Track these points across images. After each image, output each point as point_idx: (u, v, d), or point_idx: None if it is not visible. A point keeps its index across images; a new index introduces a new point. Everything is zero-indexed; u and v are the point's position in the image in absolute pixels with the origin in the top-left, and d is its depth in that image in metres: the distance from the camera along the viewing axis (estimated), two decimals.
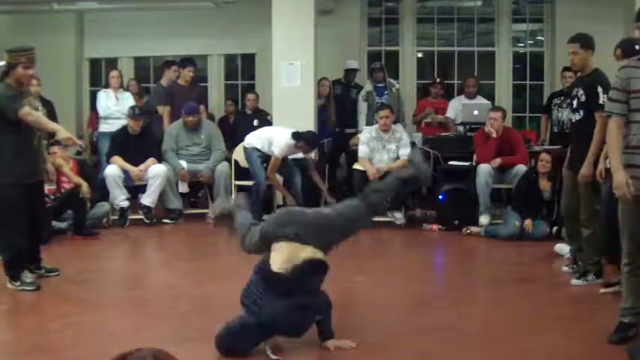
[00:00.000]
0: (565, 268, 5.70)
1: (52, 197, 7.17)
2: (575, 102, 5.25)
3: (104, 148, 8.62)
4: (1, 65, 5.16)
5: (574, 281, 5.29)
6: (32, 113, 5.00)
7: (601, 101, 4.89)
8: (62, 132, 5.06)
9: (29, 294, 5.03)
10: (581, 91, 5.14)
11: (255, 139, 8.00)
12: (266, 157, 7.92)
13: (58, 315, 4.49)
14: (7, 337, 4.09)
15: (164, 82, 9.28)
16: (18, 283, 5.08)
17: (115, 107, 8.88)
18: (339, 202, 8.01)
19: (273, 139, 7.86)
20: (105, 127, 8.93)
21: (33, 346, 3.92)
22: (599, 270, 5.24)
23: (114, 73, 9.11)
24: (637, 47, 4.38)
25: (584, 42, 5.08)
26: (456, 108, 9.00)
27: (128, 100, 8.96)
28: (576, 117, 5.24)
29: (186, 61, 9.13)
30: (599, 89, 4.95)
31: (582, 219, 5.22)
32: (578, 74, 5.39)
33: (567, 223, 5.57)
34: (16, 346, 3.94)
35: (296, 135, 7.74)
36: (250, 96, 9.65)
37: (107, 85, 9.12)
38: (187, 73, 8.94)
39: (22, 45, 5.26)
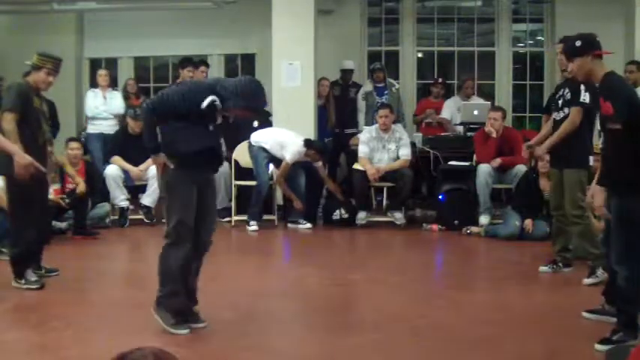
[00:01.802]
0: (544, 268, 5.67)
1: (67, 200, 7.16)
2: (560, 101, 5.47)
3: (94, 149, 8.62)
4: (27, 63, 5.28)
5: (586, 280, 5.21)
6: (7, 120, 4.98)
7: (581, 99, 5.20)
8: (18, 155, 4.89)
9: (29, 294, 5.02)
10: (566, 90, 5.39)
11: (265, 139, 7.92)
12: (272, 158, 7.90)
13: (58, 315, 4.49)
14: (7, 336, 4.08)
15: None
16: (23, 282, 5.11)
17: (103, 107, 8.87)
18: (343, 202, 8.13)
19: (285, 144, 7.80)
20: (92, 127, 8.91)
21: (33, 346, 3.93)
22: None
23: (102, 72, 9.11)
24: (577, 44, 4.12)
25: None
26: (452, 108, 9.02)
27: (117, 99, 8.95)
28: (560, 115, 5.45)
29: (185, 61, 9.13)
30: (582, 87, 5.18)
31: (570, 215, 5.38)
32: (565, 74, 5.51)
33: (556, 221, 5.64)
34: (16, 345, 3.94)
35: (307, 143, 7.77)
36: None
37: (96, 85, 9.13)
38: (187, 73, 8.93)
39: (52, 52, 5.36)
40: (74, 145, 7.62)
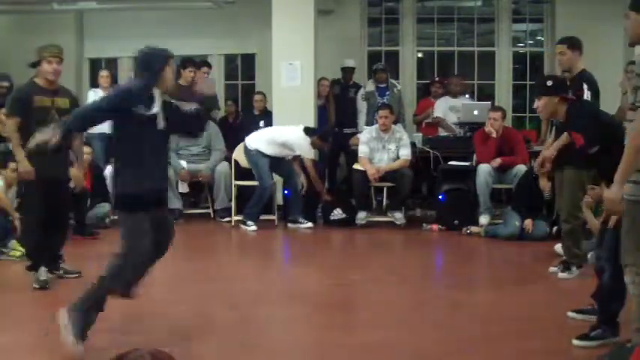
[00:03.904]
0: (553, 269, 5.64)
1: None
2: None
3: (96, 149, 8.59)
4: (29, 64, 5.33)
5: (560, 275, 5.43)
6: (8, 125, 5.20)
7: (585, 97, 5.10)
8: (22, 163, 5.15)
9: (29, 293, 5.03)
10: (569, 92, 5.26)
11: (264, 144, 7.80)
12: (274, 161, 7.85)
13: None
14: (7, 336, 4.08)
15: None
16: (33, 274, 5.15)
17: None
18: (337, 201, 8.14)
19: (291, 143, 7.71)
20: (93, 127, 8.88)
21: (33, 346, 3.93)
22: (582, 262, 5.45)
23: (103, 73, 9.11)
24: (548, 83, 4.17)
25: (572, 43, 5.29)
26: (444, 108, 9.04)
27: None
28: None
29: (186, 62, 9.12)
30: (585, 86, 5.12)
31: (564, 214, 5.43)
32: (566, 74, 5.51)
33: (562, 224, 5.63)
34: (16, 345, 3.94)
35: (307, 130, 7.73)
36: (257, 97, 9.54)
37: (96, 85, 9.13)
38: (188, 74, 8.93)
39: (48, 43, 5.39)
40: (85, 149, 7.64)
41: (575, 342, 3.84)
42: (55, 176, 5.19)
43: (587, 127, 3.94)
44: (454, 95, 9.14)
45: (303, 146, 7.72)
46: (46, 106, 5.18)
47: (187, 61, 9.11)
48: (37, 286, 5.10)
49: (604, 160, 3.89)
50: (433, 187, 8.42)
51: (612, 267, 3.79)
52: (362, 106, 9.36)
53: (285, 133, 7.84)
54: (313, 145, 7.80)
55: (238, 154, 8.27)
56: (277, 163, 7.90)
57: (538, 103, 4.27)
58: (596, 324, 3.87)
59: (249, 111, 9.82)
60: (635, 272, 3.27)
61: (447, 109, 9.00)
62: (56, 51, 5.24)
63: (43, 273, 5.17)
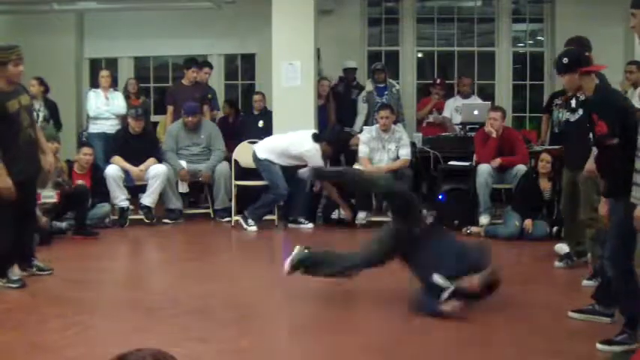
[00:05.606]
0: (559, 264, 5.64)
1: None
2: (573, 101, 5.28)
3: (96, 149, 8.60)
4: None
5: (585, 282, 5.14)
6: None
7: None
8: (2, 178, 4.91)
9: (29, 293, 5.03)
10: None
11: (275, 155, 7.69)
12: (285, 167, 7.76)
13: (58, 315, 4.49)
14: (6, 337, 4.08)
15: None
16: (5, 280, 5.10)
17: (105, 107, 8.87)
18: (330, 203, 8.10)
19: (304, 155, 7.56)
20: (94, 127, 8.91)
21: (33, 346, 3.92)
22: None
23: (104, 73, 9.12)
24: (564, 61, 4.04)
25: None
26: (450, 108, 9.05)
27: (119, 99, 8.96)
28: (575, 116, 5.27)
29: (189, 62, 9.14)
30: None
31: (585, 218, 5.19)
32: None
33: (567, 223, 5.59)
34: (15, 345, 3.94)
35: (315, 138, 7.64)
36: (256, 97, 9.54)
37: (96, 85, 9.14)
38: (191, 74, 8.95)
39: (7, 43, 5.21)
40: (87, 150, 7.73)
41: (600, 346, 3.75)
42: (23, 177, 5.07)
43: (614, 117, 3.77)
44: (465, 96, 9.17)
45: (314, 158, 7.56)
46: (17, 109, 5.06)
47: (190, 62, 9.15)
48: (15, 286, 5.05)
49: (612, 156, 3.80)
50: (433, 187, 8.43)
51: (615, 268, 3.78)
52: (362, 108, 9.36)
53: (297, 144, 7.64)
54: (323, 153, 7.71)
55: (238, 154, 8.26)
56: (285, 167, 7.82)
57: (563, 81, 4.12)
58: (623, 329, 3.79)
59: (248, 111, 9.84)
60: None
61: (454, 109, 9.02)
62: (21, 52, 5.06)
63: (15, 273, 5.13)
